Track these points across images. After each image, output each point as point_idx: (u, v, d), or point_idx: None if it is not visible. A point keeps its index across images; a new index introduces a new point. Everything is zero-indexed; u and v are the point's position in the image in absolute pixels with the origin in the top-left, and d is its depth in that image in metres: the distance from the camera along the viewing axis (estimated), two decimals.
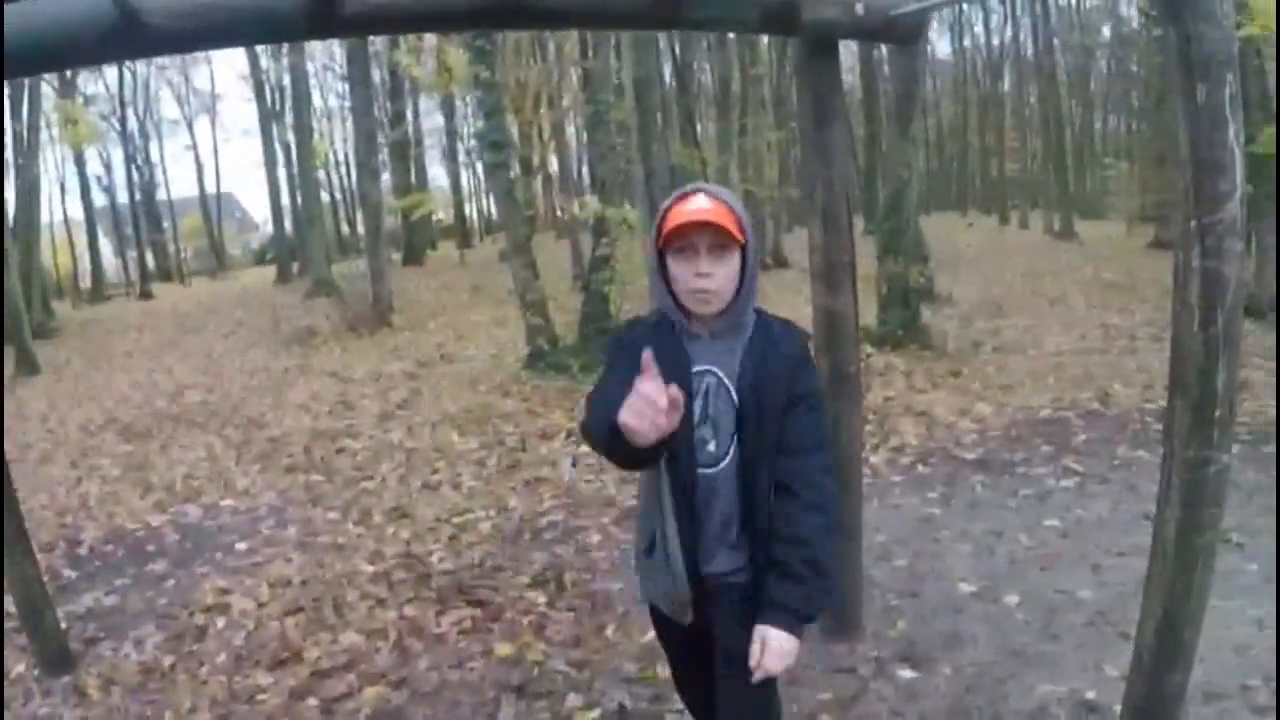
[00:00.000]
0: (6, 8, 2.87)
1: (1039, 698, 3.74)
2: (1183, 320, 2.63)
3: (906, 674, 4.05)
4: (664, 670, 4.25)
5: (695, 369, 2.43)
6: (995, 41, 48.22)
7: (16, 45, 2.85)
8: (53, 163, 43.10)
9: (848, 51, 34.30)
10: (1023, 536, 5.41)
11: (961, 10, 46.78)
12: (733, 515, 2.50)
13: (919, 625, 4.46)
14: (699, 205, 2.34)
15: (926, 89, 48.07)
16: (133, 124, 46.34)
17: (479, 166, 41.07)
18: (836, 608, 2.52)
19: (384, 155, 34.15)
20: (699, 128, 22.18)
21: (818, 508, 2.41)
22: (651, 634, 4.56)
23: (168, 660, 4.99)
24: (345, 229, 49.76)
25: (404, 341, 16.22)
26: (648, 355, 2.00)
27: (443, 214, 45.01)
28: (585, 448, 2.43)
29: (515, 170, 18.63)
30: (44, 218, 32.35)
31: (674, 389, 1.97)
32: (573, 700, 4.18)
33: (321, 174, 39.82)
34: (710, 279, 2.35)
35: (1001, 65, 47.59)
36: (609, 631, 4.81)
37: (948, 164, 54.80)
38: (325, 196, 44.76)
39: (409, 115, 34.45)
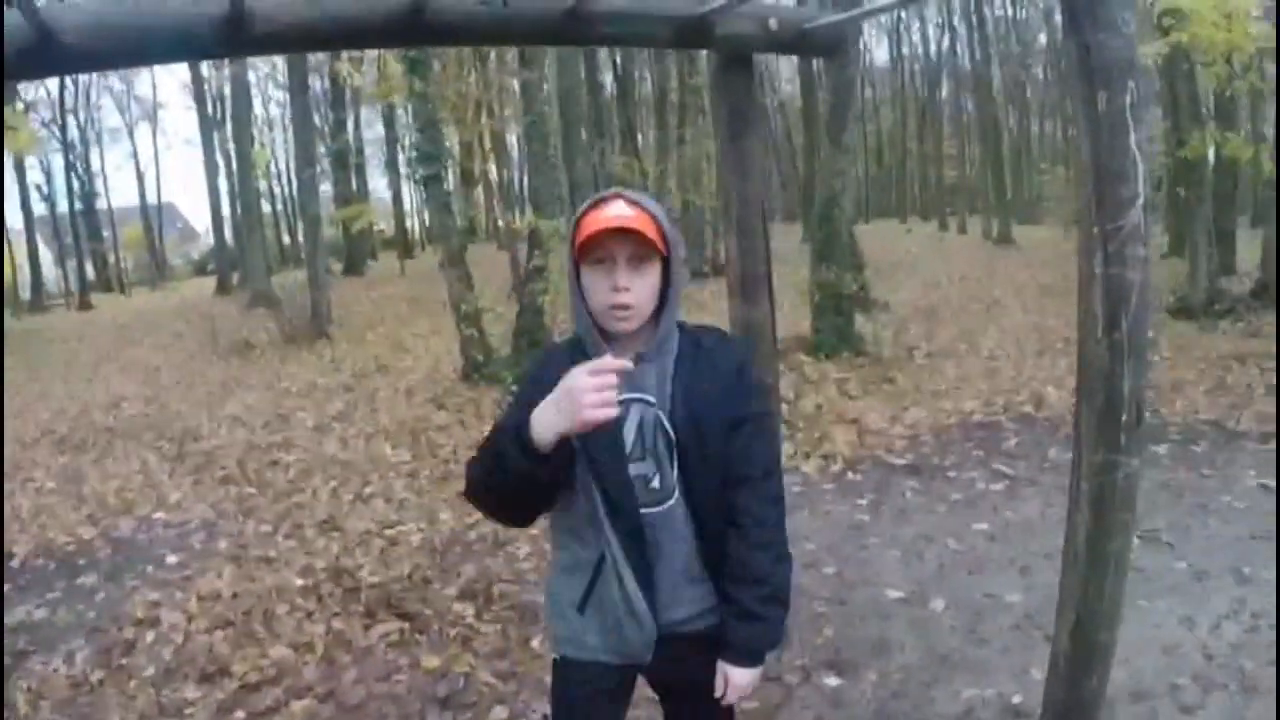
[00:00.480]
0: None
1: (965, 701, 3.77)
2: (1086, 327, 2.64)
3: (832, 681, 4.07)
4: None
5: (621, 398, 2.07)
6: (933, 49, 48.79)
7: None
8: None
9: (787, 61, 34.60)
10: (951, 541, 5.45)
11: (899, 19, 47.29)
12: (691, 555, 2.29)
13: (846, 632, 4.47)
14: (618, 211, 2.12)
15: (865, 96, 48.61)
16: (74, 132, 45.82)
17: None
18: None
19: (325, 165, 33.96)
20: (639, 137, 22.16)
21: (767, 545, 2.27)
22: None
23: (97, 674, 4.95)
24: (286, 239, 49.35)
25: (341, 353, 16.08)
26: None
27: (384, 225, 44.81)
28: None
29: (451, 182, 18.55)
30: None
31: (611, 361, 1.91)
32: (498, 712, 4.17)
33: (263, 184, 39.54)
34: (629, 293, 2.12)
35: (939, 73, 48.16)
36: (534, 643, 4.80)
37: (887, 171, 55.32)
38: (266, 207, 44.44)
39: (350, 125, 34.25)
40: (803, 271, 12.33)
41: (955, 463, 6.82)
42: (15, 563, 6.96)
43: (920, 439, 7.45)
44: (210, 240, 44.20)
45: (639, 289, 2.13)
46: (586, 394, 1.87)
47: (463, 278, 11.59)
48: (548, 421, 1.94)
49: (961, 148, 43.80)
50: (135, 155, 50.77)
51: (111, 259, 50.72)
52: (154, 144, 77.36)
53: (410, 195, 40.24)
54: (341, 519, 7.09)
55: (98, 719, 4.53)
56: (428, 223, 49.95)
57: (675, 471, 2.21)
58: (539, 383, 2.12)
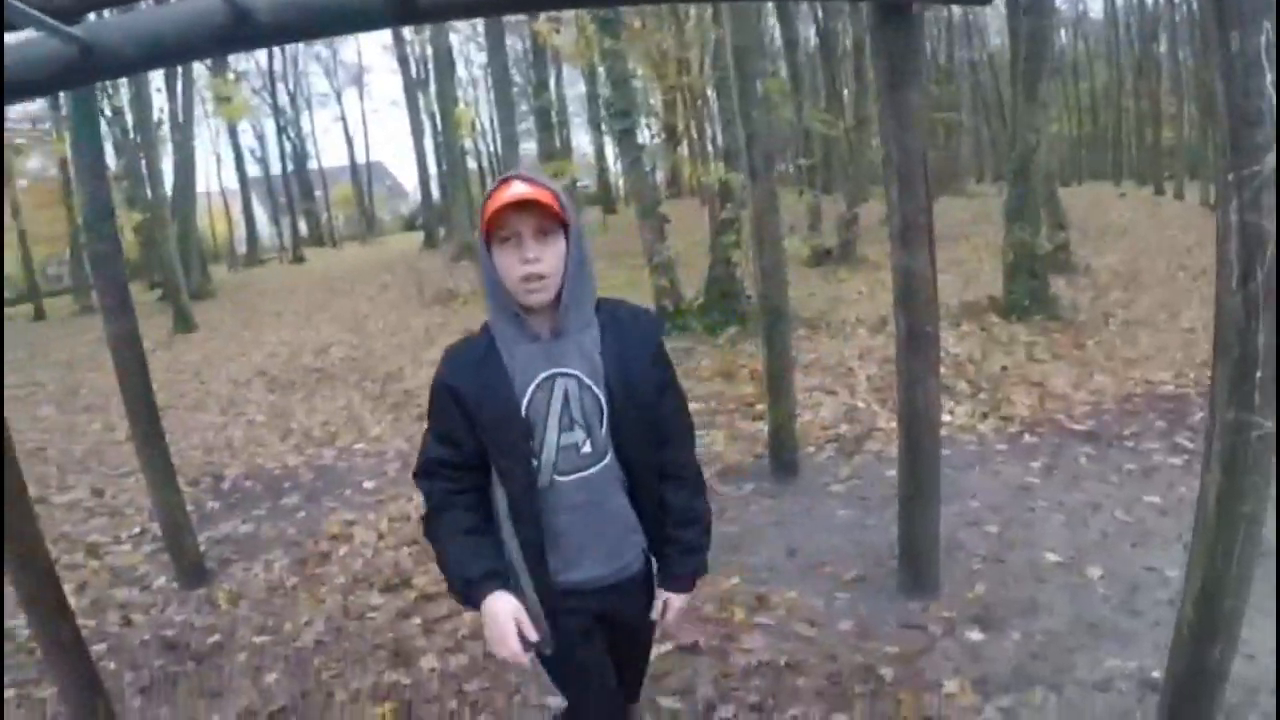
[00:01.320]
0: (132, 11, 3.16)
1: (1105, 670, 3.71)
2: (1222, 278, 2.57)
3: (975, 636, 4.08)
4: (739, 612, 4.53)
5: (544, 375, 2.33)
6: (1149, 1, 46.20)
7: (137, 45, 3.16)
8: (208, 137, 45.06)
9: (994, 12, 33.43)
10: (1119, 511, 5.32)
11: None
12: (625, 512, 2.49)
13: (998, 590, 4.46)
14: (517, 190, 2.22)
15: (1078, 50, 46.57)
16: (284, 98, 47.91)
17: None
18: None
19: (529, 123, 34.54)
20: (844, 92, 21.80)
21: (701, 490, 2.60)
22: (734, 580, 4.85)
23: (291, 580, 5.59)
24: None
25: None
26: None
27: (587, 181, 45.38)
28: None
29: (646, 137, 18.68)
30: (201, 188, 33.84)
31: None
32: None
33: (468, 142, 40.45)
34: (539, 263, 2.24)
35: (1156, 25, 45.63)
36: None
37: (1102, 131, 52.93)
38: (471, 164, 45.56)
39: (552, 83, 34.73)
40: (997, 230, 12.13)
41: (1136, 433, 6.61)
42: (226, 484, 7.80)
43: (1103, 407, 7.25)
44: (418, 197, 45.73)
45: (548, 259, 2.24)
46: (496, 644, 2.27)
47: (655, 229, 11.80)
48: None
49: (1180, 107, 41.56)
50: (343, 118, 53.24)
51: (323, 216, 52.95)
52: (361, 106, 79.99)
53: (612, 152, 40.57)
54: None
55: (289, 617, 5.10)
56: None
57: (605, 434, 2.37)
58: (454, 392, 2.35)
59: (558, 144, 36.74)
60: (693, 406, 7.77)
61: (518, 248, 2.23)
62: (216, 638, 5.04)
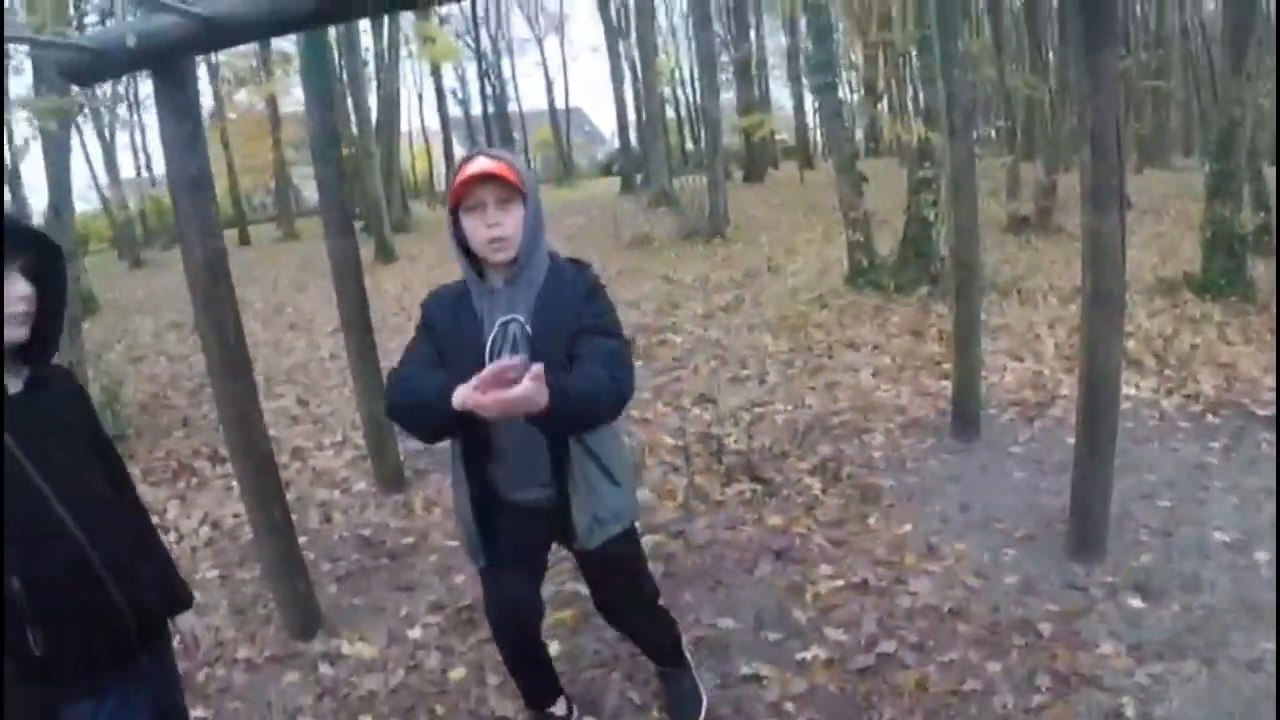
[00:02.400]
0: None
1: (1258, 652, 3.67)
2: None
3: (1135, 603, 4.10)
4: (910, 557, 4.69)
5: (501, 319, 2.74)
6: None
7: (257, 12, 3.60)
8: (411, 77, 46.43)
9: None
10: None
11: None
12: (540, 448, 2.78)
13: (1162, 563, 4.45)
14: (481, 164, 2.64)
15: None
16: (485, 42, 48.87)
17: None
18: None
19: (728, 74, 34.53)
20: (1049, 53, 21.16)
21: (610, 371, 2.54)
22: (907, 527, 5.07)
23: None
24: (689, 144, 50.76)
25: (734, 252, 16.77)
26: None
27: (786, 134, 45.11)
28: None
29: (846, 93, 18.58)
30: (403, 126, 35.00)
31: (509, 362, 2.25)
32: (823, 569, 4.63)
33: (666, 90, 40.67)
34: (500, 227, 2.65)
35: None
36: (871, 520, 5.20)
37: None
38: (670, 112, 45.82)
39: (752, 34, 34.63)
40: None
41: None
42: None
43: None
44: (615, 143, 46.24)
45: (508, 224, 2.66)
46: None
47: (853, 184, 11.81)
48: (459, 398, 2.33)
49: None
50: (544, 63, 53.75)
51: (521, 158, 53.95)
52: (562, 52, 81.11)
53: (811, 106, 40.27)
54: (715, 394, 7.74)
55: None
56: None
57: None
58: (430, 329, 2.81)
59: (756, 95, 36.77)
60: (881, 361, 8.03)
61: (483, 214, 2.66)
62: (410, 539, 5.58)
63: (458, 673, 4.11)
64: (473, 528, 2.93)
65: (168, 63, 3.86)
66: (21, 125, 20.37)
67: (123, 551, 2.26)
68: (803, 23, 22.06)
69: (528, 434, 2.49)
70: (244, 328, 4.39)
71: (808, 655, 3.90)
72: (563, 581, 4.61)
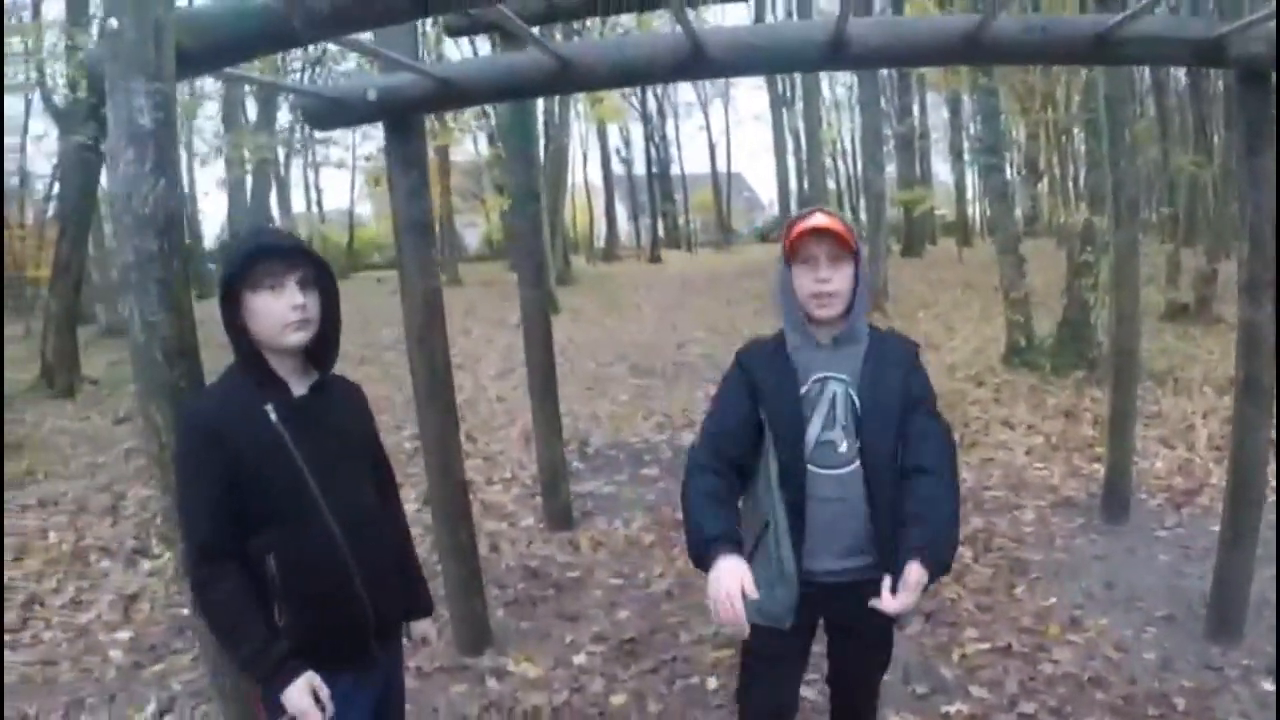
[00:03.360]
0: (605, 42, 4.16)
1: None
2: None
3: (1268, 687, 4.17)
4: (1054, 627, 4.85)
5: (818, 376, 2.74)
6: None
7: (605, 69, 4.12)
8: (578, 134, 47.59)
9: None
10: None
11: None
12: (864, 511, 2.71)
13: None
14: (818, 220, 2.67)
15: None
16: (652, 104, 49.77)
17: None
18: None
19: (889, 147, 34.54)
20: (1214, 136, 20.71)
21: (949, 487, 2.63)
22: (1053, 599, 5.21)
23: (648, 539, 6.49)
24: (849, 215, 50.77)
25: (893, 327, 16.65)
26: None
27: (945, 210, 44.81)
28: None
29: (1011, 173, 18.57)
30: (567, 181, 35.84)
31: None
32: (970, 633, 4.85)
33: (828, 161, 40.84)
34: (830, 283, 2.66)
35: None
36: (1018, 590, 5.39)
37: None
38: (831, 184, 45.96)
39: (915, 110, 34.65)
40: None
41: None
42: (591, 450, 8.88)
43: None
44: (774, 211, 46.55)
45: (838, 280, 2.67)
46: (720, 603, 2.34)
47: (1015, 264, 11.87)
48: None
49: None
50: (707, 127, 54.14)
51: (680, 220, 54.74)
52: (725, 118, 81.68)
53: (972, 183, 39.98)
54: None
55: (644, 567, 6.00)
56: (987, 211, 49.60)
57: (858, 438, 2.70)
58: (744, 368, 2.83)
59: (917, 171, 36.70)
60: (1034, 440, 8.16)
61: (814, 269, 2.69)
62: (576, 574, 6.00)
63: (619, 699, 4.42)
64: None
65: (401, 117, 4.36)
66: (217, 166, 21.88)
67: (378, 556, 2.54)
68: (965, 100, 22.15)
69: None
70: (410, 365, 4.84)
71: (952, 709, 4.12)
72: None
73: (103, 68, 2.56)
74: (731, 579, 2.34)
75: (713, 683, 4.47)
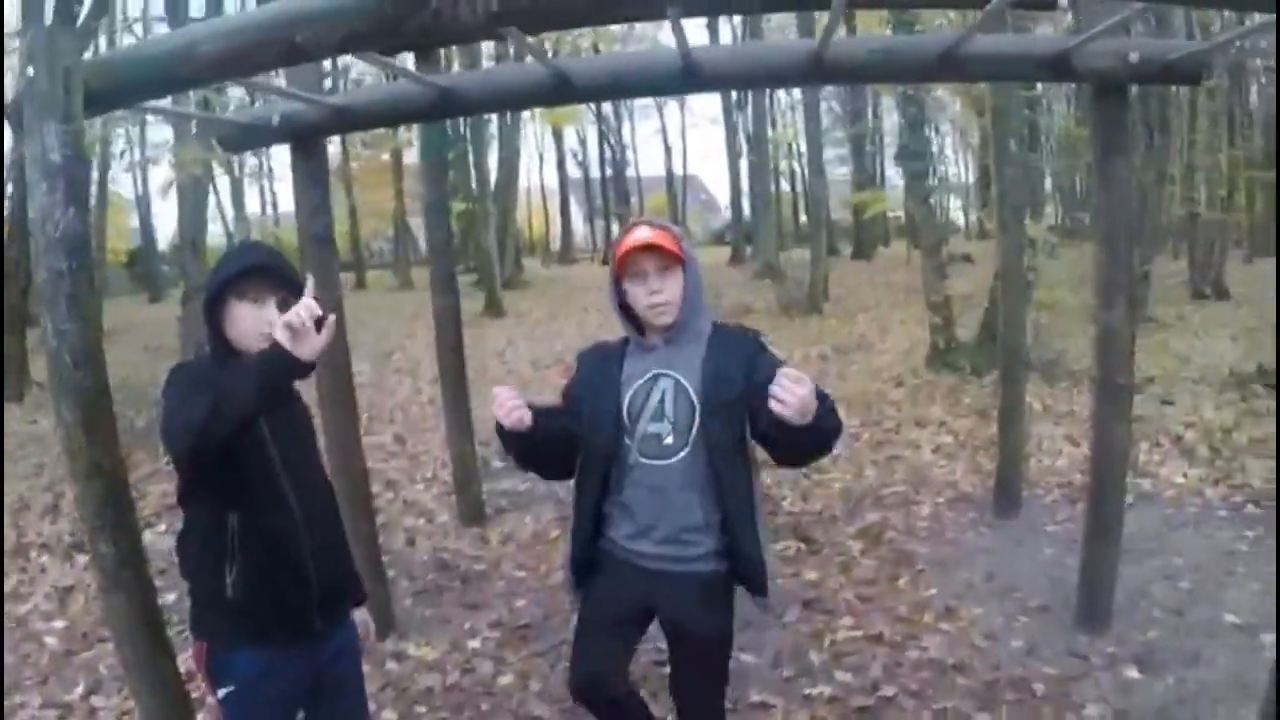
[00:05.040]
0: (480, 72, 4.66)
1: None
2: None
3: (1131, 674, 4.34)
4: (928, 616, 5.05)
5: (652, 373, 2.89)
6: None
7: (481, 96, 4.60)
8: (533, 137, 47.74)
9: None
10: None
11: None
12: (689, 501, 2.85)
13: (1167, 639, 4.66)
14: (643, 235, 2.83)
15: None
16: (607, 107, 49.79)
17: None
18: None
19: (845, 149, 34.79)
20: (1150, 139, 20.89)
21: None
22: (933, 591, 5.40)
23: (555, 532, 6.65)
24: (803, 218, 51.07)
25: (829, 328, 17.09)
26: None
27: (899, 212, 45.12)
28: None
29: (936, 178, 18.79)
30: (522, 184, 36.18)
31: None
32: (845, 621, 5.05)
33: (782, 164, 41.10)
34: (661, 294, 2.83)
35: None
36: (900, 582, 5.59)
37: None
38: (785, 186, 46.29)
39: (869, 113, 34.95)
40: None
41: None
42: None
43: None
44: (730, 214, 46.81)
45: (669, 290, 2.84)
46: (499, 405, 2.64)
47: (936, 268, 12.10)
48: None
49: None
50: (663, 130, 54.04)
51: (680, 227, 54.72)
52: (681, 121, 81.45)
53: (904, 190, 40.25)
54: None
55: (547, 559, 6.22)
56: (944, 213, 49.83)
57: (694, 432, 2.82)
58: (580, 367, 3.11)
59: (871, 173, 37.02)
60: (943, 439, 8.36)
61: (644, 281, 2.85)
62: (483, 566, 6.24)
63: (506, 679, 4.67)
64: None
65: (303, 140, 4.70)
66: (164, 168, 21.89)
67: (329, 537, 2.70)
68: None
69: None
70: (353, 368, 5.12)
71: (814, 692, 4.30)
72: None
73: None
74: (503, 394, 2.65)
75: None
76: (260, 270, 2.53)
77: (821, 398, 2.50)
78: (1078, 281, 12.53)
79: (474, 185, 25.03)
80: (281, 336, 2.22)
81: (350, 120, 4.71)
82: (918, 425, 9.33)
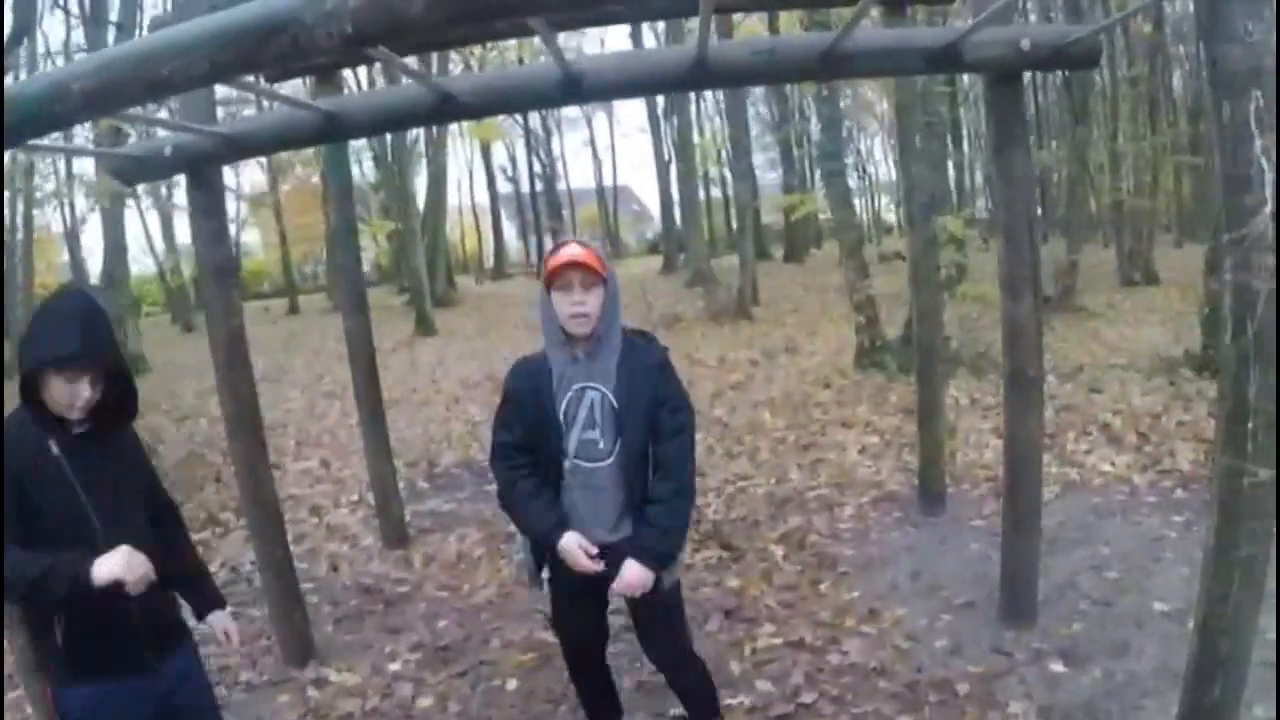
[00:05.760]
0: (364, 95, 4.60)
1: (1170, 716, 3.81)
2: (1220, 332, 2.84)
3: (1057, 668, 4.31)
4: (850, 620, 5.00)
5: (577, 386, 3.28)
6: None
7: (367, 119, 4.59)
8: (462, 154, 47.71)
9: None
10: None
11: None
12: (621, 495, 3.31)
13: (1094, 630, 4.64)
14: (572, 252, 3.18)
15: None
16: (535, 121, 49.79)
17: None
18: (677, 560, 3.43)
19: (775, 153, 34.86)
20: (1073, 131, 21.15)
21: (680, 484, 3.30)
22: (856, 593, 5.34)
23: (478, 552, 6.60)
24: (734, 223, 51.21)
25: (758, 332, 17.10)
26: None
27: (829, 214, 45.29)
28: None
29: (857, 177, 18.95)
30: (453, 202, 36.07)
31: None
32: (767, 628, 4.99)
33: (712, 170, 41.16)
34: (584, 305, 3.17)
35: None
36: (823, 586, 5.53)
37: None
38: (716, 192, 46.36)
39: (795, 116, 35.09)
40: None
41: None
42: (439, 469, 9.01)
43: None
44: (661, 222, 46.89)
45: (591, 302, 3.18)
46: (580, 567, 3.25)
47: (858, 267, 12.08)
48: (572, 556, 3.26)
49: None
50: (592, 142, 54.15)
51: (569, 235, 54.65)
52: (610, 132, 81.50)
53: (856, 186, 40.56)
54: (706, 469, 8.00)
55: (469, 580, 6.15)
56: (874, 214, 50.13)
57: (618, 437, 3.26)
58: (518, 393, 3.41)
59: (801, 175, 37.19)
60: (870, 439, 8.23)
61: (569, 293, 3.17)
62: (405, 589, 6.13)
63: (426, 701, 4.63)
64: None
65: (198, 170, 4.66)
66: (80, 199, 21.59)
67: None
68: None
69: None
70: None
71: (733, 702, 4.21)
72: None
73: None
74: (574, 550, 3.24)
75: (513, 684, 4.67)
76: (69, 362, 2.58)
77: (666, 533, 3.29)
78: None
79: (401, 204, 24.84)
80: (99, 578, 2.46)
81: (241, 148, 4.74)
82: (844, 426, 9.28)
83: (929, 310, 6.55)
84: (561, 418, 3.29)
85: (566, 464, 3.31)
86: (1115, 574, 5.32)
